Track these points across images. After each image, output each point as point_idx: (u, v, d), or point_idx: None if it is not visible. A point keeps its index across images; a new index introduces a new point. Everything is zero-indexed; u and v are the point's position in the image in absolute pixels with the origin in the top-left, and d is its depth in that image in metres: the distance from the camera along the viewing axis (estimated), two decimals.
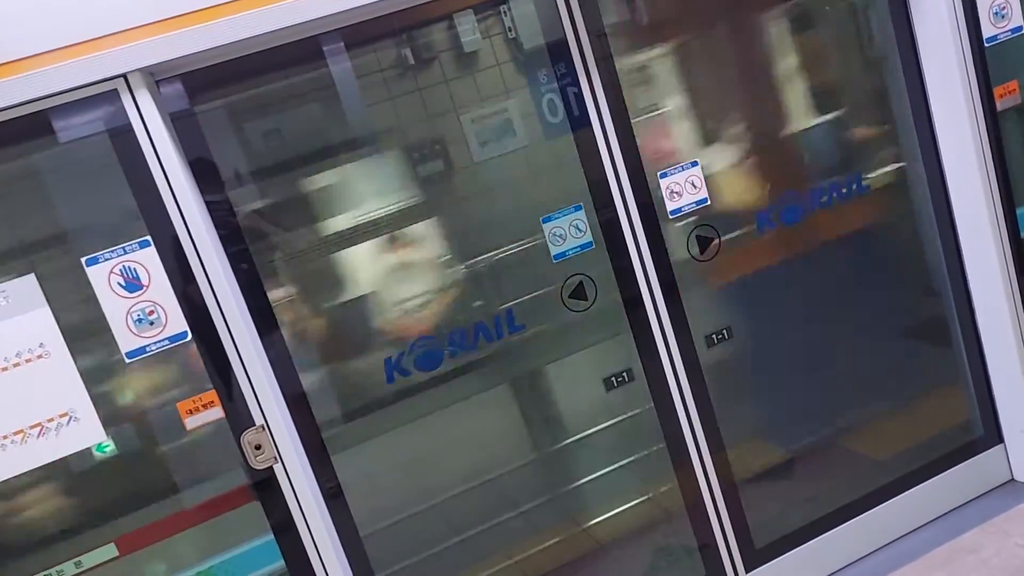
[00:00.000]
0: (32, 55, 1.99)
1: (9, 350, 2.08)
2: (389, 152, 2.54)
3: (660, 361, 2.71)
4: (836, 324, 3.05)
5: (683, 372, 2.73)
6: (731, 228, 2.79)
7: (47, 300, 2.10)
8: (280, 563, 2.38)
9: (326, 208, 2.50)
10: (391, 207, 2.54)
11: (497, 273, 2.63)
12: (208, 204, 2.26)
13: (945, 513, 3.11)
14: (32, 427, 2.12)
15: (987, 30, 2.84)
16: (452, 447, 2.73)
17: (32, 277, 2.09)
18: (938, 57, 2.87)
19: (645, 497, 2.88)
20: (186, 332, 2.20)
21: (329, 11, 2.20)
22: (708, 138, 2.77)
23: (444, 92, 2.54)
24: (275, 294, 2.39)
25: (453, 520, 2.76)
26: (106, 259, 2.12)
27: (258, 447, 2.29)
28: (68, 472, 2.21)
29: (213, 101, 2.30)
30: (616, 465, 2.86)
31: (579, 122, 2.58)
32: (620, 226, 2.63)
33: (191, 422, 2.24)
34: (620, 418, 2.81)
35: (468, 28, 2.50)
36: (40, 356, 2.10)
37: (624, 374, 2.74)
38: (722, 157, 2.78)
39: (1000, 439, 3.20)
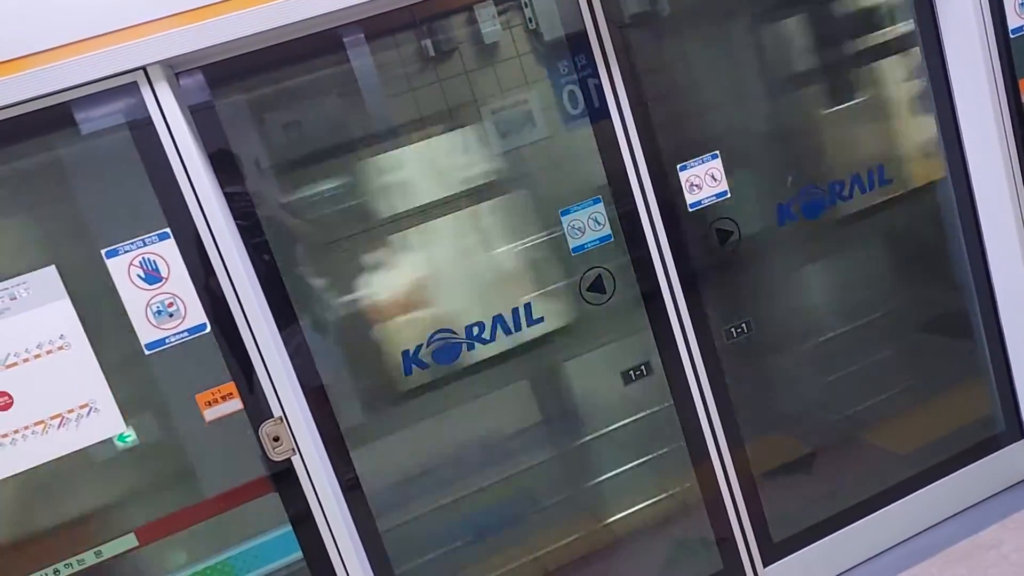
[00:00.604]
0: (52, 48, 1.99)
1: (30, 341, 2.10)
2: (410, 144, 2.54)
3: (679, 354, 2.70)
4: (858, 318, 3.02)
5: (702, 366, 2.72)
6: (751, 221, 2.77)
7: (67, 292, 2.11)
8: (298, 554, 2.39)
9: (349, 201, 2.50)
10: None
11: (517, 265, 2.62)
12: (227, 196, 2.27)
13: (966, 508, 3.09)
14: (53, 418, 2.13)
15: (1012, 21, 2.80)
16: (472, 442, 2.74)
17: (53, 269, 2.10)
18: (962, 48, 2.83)
19: (665, 494, 2.87)
20: (205, 324, 2.21)
21: (348, 3, 2.19)
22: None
23: (464, 83, 2.53)
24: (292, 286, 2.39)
25: (472, 514, 2.76)
26: (126, 251, 2.13)
27: (276, 439, 2.30)
28: (89, 462, 2.22)
29: (232, 93, 2.30)
30: (636, 462, 2.85)
31: (598, 114, 2.56)
32: (639, 219, 2.61)
33: (210, 414, 2.25)
34: (639, 415, 2.80)
35: (488, 19, 2.49)
36: (61, 348, 2.11)
37: (642, 367, 2.73)
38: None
39: (1022, 434, 3.17)
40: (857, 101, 2.93)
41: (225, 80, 2.26)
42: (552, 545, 2.78)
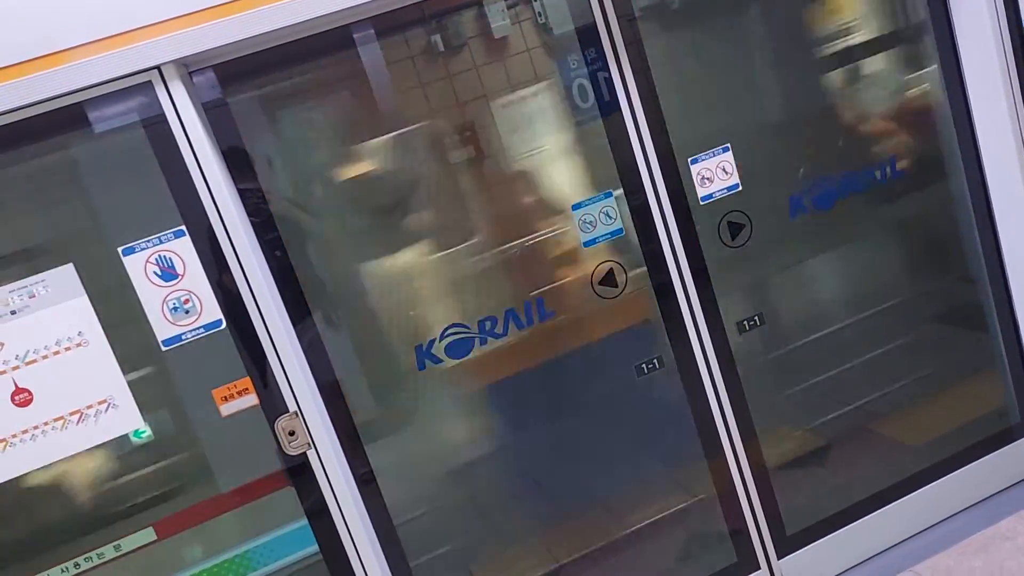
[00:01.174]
0: (67, 48, 2.01)
1: (49, 339, 2.12)
2: (420, 140, 2.55)
3: (691, 348, 2.70)
4: (871, 309, 3.01)
5: (714, 359, 2.72)
6: (763, 214, 2.76)
7: (85, 289, 2.14)
8: (314, 547, 2.41)
9: (358, 196, 2.51)
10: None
11: (527, 259, 2.63)
12: (241, 192, 2.28)
13: (980, 500, 3.07)
14: (72, 414, 2.16)
15: None
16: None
17: (70, 267, 2.12)
18: (975, 33, 2.81)
19: (677, 486, 2.88)
20: (220, 320, 2.23)
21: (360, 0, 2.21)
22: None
23: (474, 78, 2.53)
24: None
25: (484, 507, 2.78)
26: (142, 248, 2.15)
27: (292, 433, 2.32)
28: (108, 456, 2.25)
29: (246, 91, 2.31)
30: (646, 453, 2.86)
31: (609, 107, 2.56)
32: (651, 212, 2.61)
33: (226, 409, 2.27)
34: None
35: (498, 14, 2.49)
36: (79, 344, 2.14)
37: (655, 361, 2.73)
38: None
39: None
40: (869, 89, 2.91)
41: (238, 77, 2.28)
42: (566, 537, 2.79)
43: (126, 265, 2.15)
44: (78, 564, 2.24)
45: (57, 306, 2.12)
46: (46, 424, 2.14)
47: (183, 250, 2.18)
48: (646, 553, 2.84)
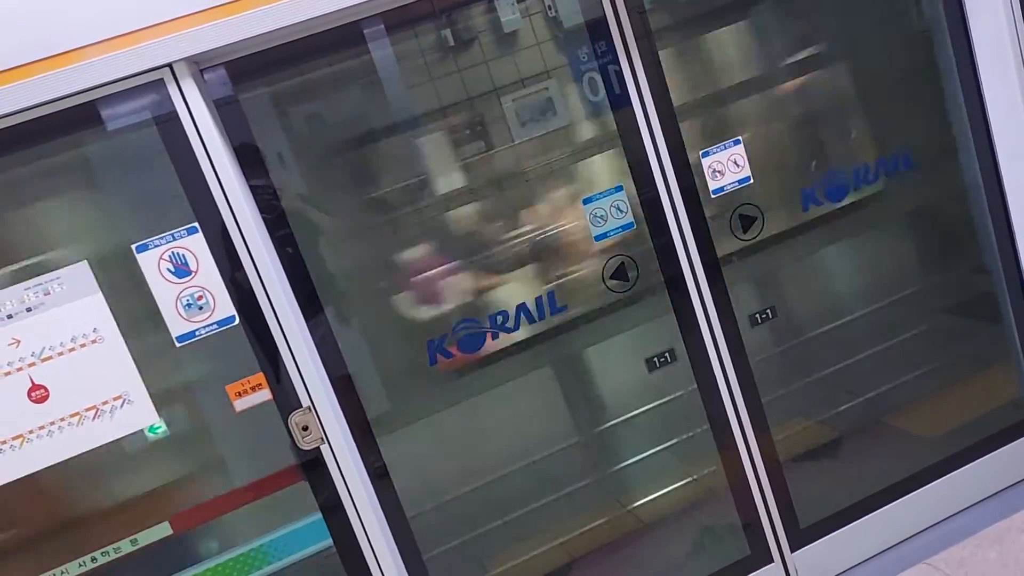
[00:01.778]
0: (79, 47, 2.01)
1: (64, 335, 2.14)
2: (430, 134, 2.56)
3: (703, 341, 2.70)
4: (884, 301, 3.00)
5: (726, 352, 2.72)
6: (774, 206, 2.75)
7: (99, 286, 2.15)
8: (328, 541, 2.43)
9: (369, 190, 2.52)
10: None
11: (538, 253, 2.64)
12: (253, 189, 2.29)
13: (996, 492, 3.06)
14: (88, 410, 2.18)
15: None
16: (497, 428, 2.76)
17: (85, 264, 2.14)
18: (988, 25, 2.79)
19: (690, 478, 2.88)
20: (234, 316, 2.24)
21: None
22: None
23: (484, 72, 2.53)
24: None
25: (498, 501, 2.79)
26: (156, 245, 2.17)
27: (305, 428, 2.33)
28: (123, 452, 2.27)
29: (257, 87, 2.32)
30: (660, 447, 2.86)
31: (619, 101, 2.56)
32: (662, 206, 2.61)
33: (240, 404, 2.29)
34: (663, 400, 2.80)
35: (508, 7, 2.49)
36: (94, 341, 2.15)
37: (667, 354, 2.73)
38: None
39: None
40: (882, 82, 2.90)
41: (249, 74, 2.28)
42: (578, 530, 2.80)
43: (140, 262, 2.16)
44: (95, 559, 2.26)
45: (72, 303, 2.14)
46: (62, 420, 2.16)
47: (196, 247, 2.19)
48: (660, 546, 2.84)
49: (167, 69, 2.10)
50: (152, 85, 2.11)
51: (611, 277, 2.65)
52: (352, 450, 2.41)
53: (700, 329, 2.69)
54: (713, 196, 2.65)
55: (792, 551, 2.87)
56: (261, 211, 2.30)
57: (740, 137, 2.65)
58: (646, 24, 2.52)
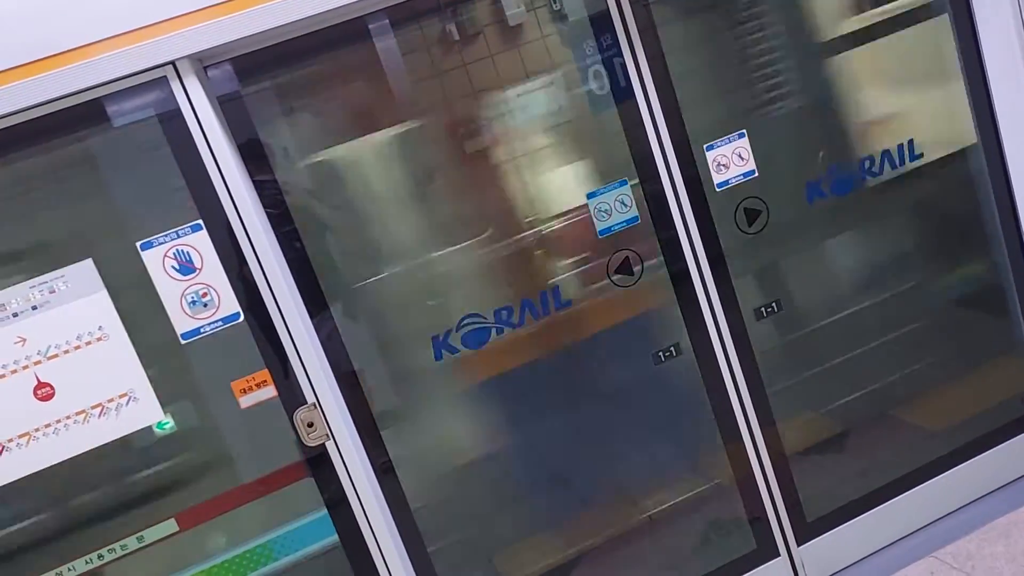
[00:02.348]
0: (83, 45, 2.02)
1: (70, 333, 2.14)
2: (433, 129, 2.55)
3: (708, 335, 2.69)
4: (890, 294, 2.99)
5: (732, 346, 2.71)
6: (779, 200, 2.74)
7: (104, 284, 2.15)
8: (334, 537, 2.43)
9: (372, 186, 2.52)
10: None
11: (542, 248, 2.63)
12: (257, 185, 2.29)
13: (1004, 485, 3.05)
14: (94, 407, 2.18)
15: None
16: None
17: (90, 262, 2.14)
18: (993, 12, 2.77)
19: (695, 472, 2.88)
20: (239, 313, 2.24)
21: None
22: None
23: (488, 66, 2.53)
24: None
25: (503, 494, 2.79)
26: (160, 243, 2.17)
27: (310, 424, 2.33)
28: (129, 449, 2.27)
29: (260, 83, 2.32)
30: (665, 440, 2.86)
31: (623, 94, 2.55)
32: (666, 200, 2.60)
33: (245, 401, 2.29)
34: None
35: (512, 1, 2.48)
36: (100, 339, 2.16)
37: (672, 348, 2.72)
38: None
39: None
40: (887, 71, 2.88)
41: (252, 70, 2.28)
42: (584, 523, 2.80)
43: (144, 259, 2.16)
44: (102, 555, 2.27)
45: (77, 301, 2.14)
46: (68, 418, 2.16)
47: (201, 244, 2.20)
48: (665, 541, 2.84)
49: (170, 66, 2.11)
50: (156, 83, 2.12)
51: (615, 272, 2.64)
52: (357, 446, 2.41)
53: (705, 323, 2.68)
54: (718, 190, 2.64)
55: (799, 545, 2.87)
56: (265, 207, 2.30)
57: (744, 130, 2.64)
58: (650, 16, 2.51)
